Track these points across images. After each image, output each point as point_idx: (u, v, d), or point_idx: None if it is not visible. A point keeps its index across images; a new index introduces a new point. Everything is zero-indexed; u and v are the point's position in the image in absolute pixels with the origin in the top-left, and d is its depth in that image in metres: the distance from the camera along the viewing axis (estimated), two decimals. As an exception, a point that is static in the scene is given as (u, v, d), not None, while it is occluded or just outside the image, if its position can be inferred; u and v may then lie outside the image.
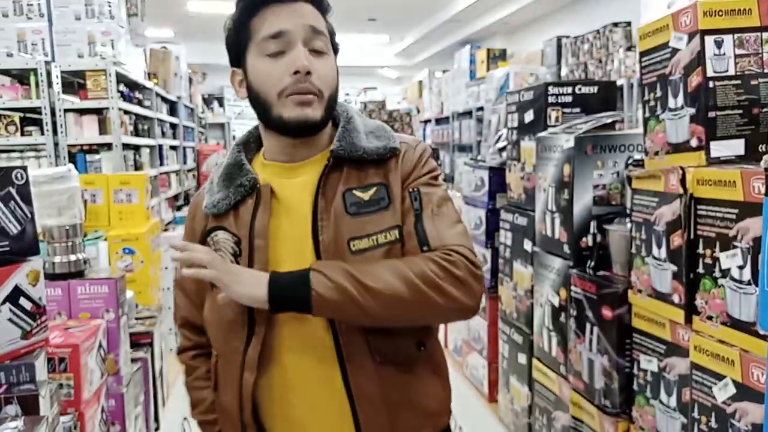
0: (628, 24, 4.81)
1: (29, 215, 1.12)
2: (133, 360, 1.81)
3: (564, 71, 5.56)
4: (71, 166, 2.03)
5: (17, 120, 3.83)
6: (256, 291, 1.03)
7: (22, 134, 3.85)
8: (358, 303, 1.01)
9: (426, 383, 1.16)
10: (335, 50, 1.14)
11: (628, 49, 4.66)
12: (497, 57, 7.26)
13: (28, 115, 3.97)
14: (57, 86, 3.79)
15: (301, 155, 1.14)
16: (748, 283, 1.04)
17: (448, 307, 1.05)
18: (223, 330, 1.14)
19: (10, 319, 1.09)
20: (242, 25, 1.11)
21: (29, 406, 1.05)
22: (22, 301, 1.11)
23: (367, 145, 1.12)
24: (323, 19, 1.12)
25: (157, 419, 2.05)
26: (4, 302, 1.08)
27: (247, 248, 1.10)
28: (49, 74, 3.78)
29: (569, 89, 1.83)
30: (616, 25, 4.86)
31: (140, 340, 1.94)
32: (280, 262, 1.10)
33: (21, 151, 3.84)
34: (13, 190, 1.09)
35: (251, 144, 1.23)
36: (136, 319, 2.05)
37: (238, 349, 1.11)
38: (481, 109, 6.12)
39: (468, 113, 7.04)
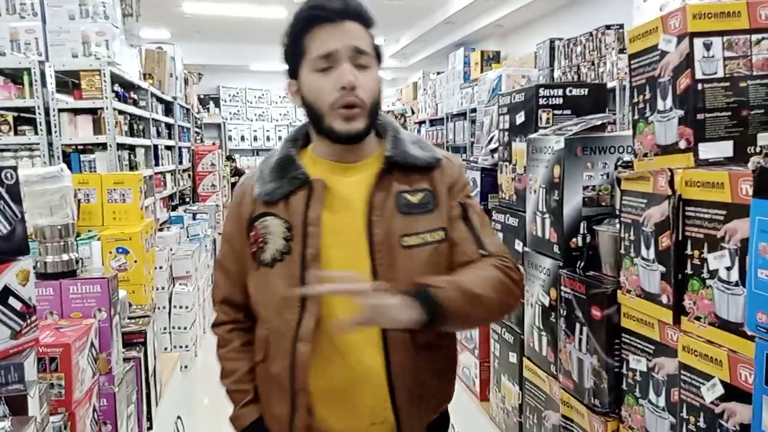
0: (621, 26, 4.82)
1: (19, 215, 1.12)
2: (126, 359, 1.81)
3: (557, 73, 5.58)
4: (64, 165, 2.03)
5: (11, 119, 3.83)
6: (415, 316, 1.11)
7: (16, 134, 3.84)
8: (475, 315, 1.21)
9: (446, 367, 1.36)
10: (379, 58, 1.26)
11: (621, 51, 4.68)
12: (491, 59, 7.29)
13: (22, 114, 3.96)
14: (51, 86, 3.78)
15: (351, 158, 1.28)
16: (736, 284, 1.05)
17: (514, 305, 1.29)
18: (275, 306, 1.25)
19: (-1, 319, 1.09)
20: (296, 43, 1.23)
21: (18, 407, 1.05)
22: (12, 300, 1.11)
23: (417, 153, 1.28)
24: (368, 34, 1.24)
25: (150, 418, 2.05)
26: (-7, 301, 1.08)
27: (300, 234, 1.23)
28: (43, 74, 3.78)
29: (560, 91, 1.83)
30: (608, 27, 4.87)
31: (133, 340, 1.94)
32: (330, 249, 1.23)
33: (15, 151, 3.84)
34: (2, 190, 1.09)
35: (299, 141, 1.35)
36: (130, 318, 2.05)
37: (291, 322, 1.23)
38: (475, 110, 6.13)
39: (462, 114, 7.06)
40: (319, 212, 1.24)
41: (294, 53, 1.23)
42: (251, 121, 12.91)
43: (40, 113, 3.79)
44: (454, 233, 1.27)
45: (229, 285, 1.36)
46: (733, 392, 1.05)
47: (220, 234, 6.78)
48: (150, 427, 2.05)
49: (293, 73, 1.26)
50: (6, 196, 1.09)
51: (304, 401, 1.24)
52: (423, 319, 1.11)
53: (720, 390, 1.08)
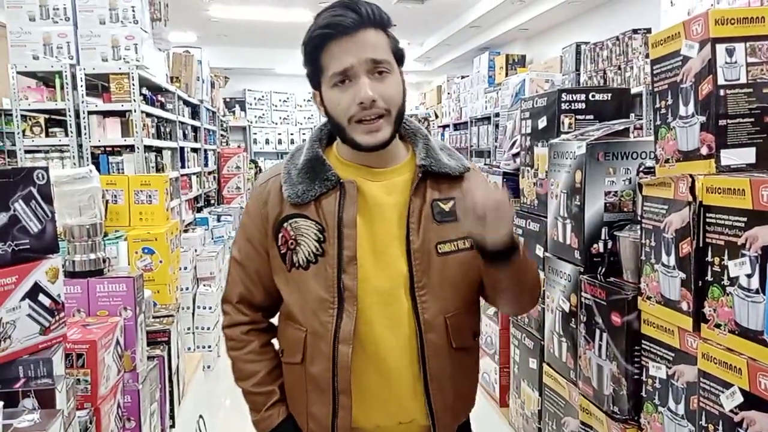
0: (648, 30, 4.77)
1: (50, 214, 1.16)
2: (150, 358, 1.85)
3: (583, 77, 5.54)
4: (92, 167, 2.08)
5: (42, 121, 3.92)
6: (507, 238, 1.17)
7: (47, 135, 3.94)
8: (532, 271, 1.32)
9: (474, 371, 1.41)
10: (400, 59, 1.25)
11: (647, 56, 4.62)
12: (516, 63, 7.26)
13: (53, 116, 4.05)
14: (81, 89, 3.87)
15: (379, 163, 1.29)
16: (756, 292, 1.04)
17: (537, 301, 1.43)
18: (311, 306, 1.26)
19: (29, 315, 1.12)
20: (314, 61, 1.23)
21: (46, 400, 1.08)
22: (41, 297, 1.14)
23: (449, 162, 1.30)
24: (386, 36, 1.22)
25: (172, 416, 2.08)
26: (23, 298, 1.11)
27: (335, 236, 1.23)
28: (73, 77, 3.87)
29: (582, 96, 1.83)
30: (635, 31, 4.83)
31: (157, 338, 1.98)
32: (364, 252, 1.25)
33: (46, 152, 3.93)
34: (34, 190, 1.13)
35: (323, 140, 1.35)
36: (154, 317, 2.09)
37: (328, 324, 1.24)
38: (498, 114, 6.11)
39: (486, 119, 7.05)
40: (354, 214, 1.24)
41: (313, 70, 1.24)
42: (276, 124, 13.02)
43: (70, 115, 3.88)
44: None
45: (249, 284, 1.35)
46: (753, 401, 1.04)
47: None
48: (173, 425, 2.08)
49: (315, 86, 1.27)
50: (37, 196, 1.13)
51: (347, 402, 1.25)
52: (508, 245, 1.17)
53: (739, 398, 1.07)
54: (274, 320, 1.42)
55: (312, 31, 1.21)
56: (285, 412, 1.33)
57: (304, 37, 1.23)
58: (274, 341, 1.40)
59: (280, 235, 1.27)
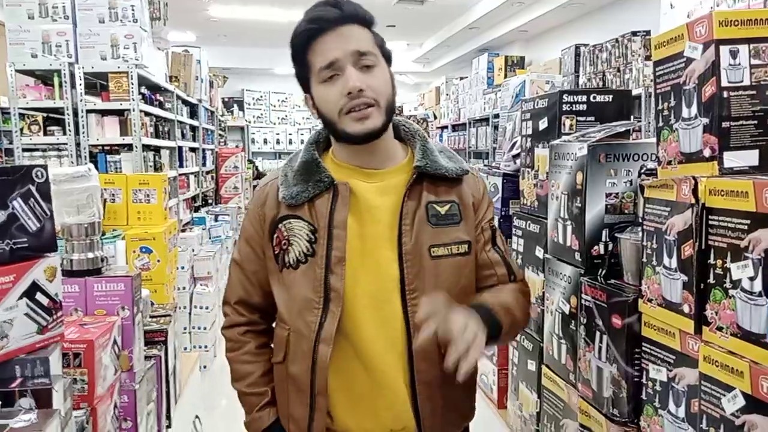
0: (648, 33, 4.77)
1: (48, 213, 1.15)
2: (147, 357, 1.83)
3: (582, 79, 5.54)
4: (91, 165, 2.07)
5: (40, 120, 3.91)
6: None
7: (45, 134, 3.93)
8: (511, 335, 1.35)
9: (469, 380, 1.35)
10: (387, 58, 1.26)
11: (647, 58, 4.63)
12: (515, 65, 7.26)
13: (51, 115, 4.04)
14: (80, 87, 3.86)
15: (373, 163, 1.29)
16: (759, 295, 1.04)
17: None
18: (297, 306, 1.26)
19: (26, 314, 1.11)
20: (301, 60, 1.24)
21: (43, 400, 1.07)
22: (39, 296, 1.13)
23: (447, 165, 1.29)
24: (369, 32, 1.24)
25: (169, 417, 2.07)
26: (21, 297, 1.10)
27: (325, 236, 1.23)
28: (72, 75, 3.86)
29: (584, 97, 1.82)
30: (635, 34, 4.83)
31: (154, 338, 1.96)
32: (354, 253, 1.24)
33: (44, 151, 3.92)
34: (33, 188, 1.12)
35: (320, 143, 1.35)
36: (151, 317, 2.08)
37: (312, 324, 1.23)
38: (497, 116, 6.11)
39: (485, 120, 7.05)
40: (345, 215, 1.24)
41: (301, 70, 1.26)
42: (274, 124, 13.01)
43: (68, 114, 3.87)
44: (489, 255, 1.35)
45: (247, 285, 1.36)
46: (755, 404, 1.04)
47: (236, 231, 6.81)
48: (169, 426, 2.07)
49: (305, 88, 1.28)
50: (36, 194, 1.12)
51: (323, 403, 1.25)
52: (487, 339, 1.16)
53: (741, 402, 1.07)
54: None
55: (296, 29, 1.23)
56: (275, 414, 1.34)
57: (290, 44, 1.25)
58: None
59: (275, 236, 1.28)
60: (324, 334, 1.22)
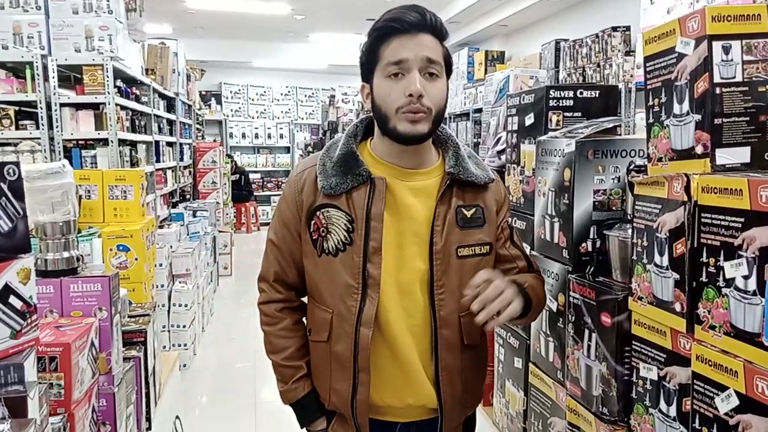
0: (627, 29, 4.79)
1: (21, 212, 1.10)
2: (126, 359, 1.79)
3: (562, 75, 5.55)
4: (66, 161, 2.00)
5: (12, 114, 3.80)
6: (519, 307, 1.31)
7: (17, 128, 3.81)
8: (536, 312, 1.42)
9: (482, 368, 1.50)
10: (449, 71, 1.35)
11: (627, 53, 4.65)
12: (495, 59, 7.25)
13: (23, 109, 3.93)
14: (53, 80, 3.76)
15: (410, 163, 1.37)
16: (753, 294, 1.03)
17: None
18: (338, 291, 1.36)
19: (-1, 318, 1.06)
20: (373, 50, 1.32)
21: (17, 408, 1.03)
22: (12, 299, 1.08)
23: (476, 172, 1.39)
24: (441, 45, 1.32)
25: (148, 418, 2.02)
26: (-7, 300, 1.05)
27: (363, 227, 1.33)
28: (45, 68, 3.75)
29: (570, 93, 1.81)
30: (615, 29, 4.84)
31: (133, 339, 1.92)
32: (388, 246, 1.34)
33: (15, 145, 3.80)
34: (4, 186, 1.06)
35: (358, 136, 1.43)
36: (130, 317, 2.03)
37: (352, 308, 1.34)
38: (478, 111, 6.10)
39: (465, 115, 7.03)
40: (381, 209, 1.33)
41: (369, 60, 1.33)
42: (252, 118, 12.88)
43: (41, 108, 3.76)
44: (509, 250, 1.47)
45: (284, 265, 1.45)
46: (749, 404, 1.03)
47: (214, 227, 6.71)
48: (149, 428, 2.02)
49: (366, 78, 1.35)
50: (8, 193, 1.07)
51: (366, 379, 1.35)
52: (522, 311, 1.30)
53: (735, 401, 1.06)
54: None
55: (378, 22, 1.31)
56: (310, 386, 1.45)
57: (369, 29, 1.33)
58: (305, 320, 1.50)
59: (313, 222, 1.37)
60: (364, 317, 1.33)
